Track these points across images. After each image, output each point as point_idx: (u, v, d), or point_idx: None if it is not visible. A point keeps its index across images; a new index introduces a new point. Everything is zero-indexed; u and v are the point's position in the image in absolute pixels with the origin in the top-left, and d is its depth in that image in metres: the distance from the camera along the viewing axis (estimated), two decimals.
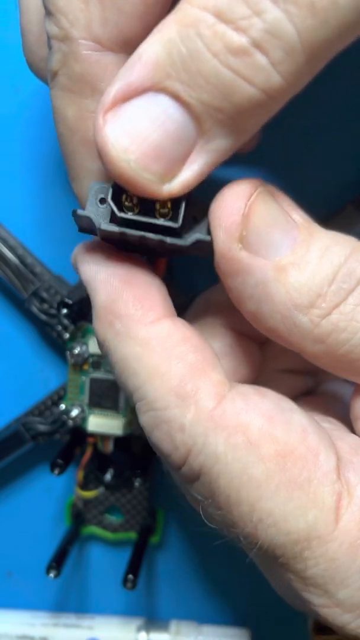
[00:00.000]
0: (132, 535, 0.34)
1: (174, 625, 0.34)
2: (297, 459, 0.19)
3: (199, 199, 0.21)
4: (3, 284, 0.31)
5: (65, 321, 0.31)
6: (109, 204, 0.20)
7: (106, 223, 0.20)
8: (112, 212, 0.20)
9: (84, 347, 0.31)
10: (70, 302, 0.31)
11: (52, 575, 0.30)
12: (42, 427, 0.31)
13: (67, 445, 0.31)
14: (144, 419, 0.20)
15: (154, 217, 0.20)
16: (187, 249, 0.20)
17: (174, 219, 0.20)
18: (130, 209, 0.20)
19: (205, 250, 0.20)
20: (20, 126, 0.31)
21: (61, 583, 0.35)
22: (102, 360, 0.31)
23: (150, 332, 0.20)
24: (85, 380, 0.31)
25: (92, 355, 0.31)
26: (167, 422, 0.19)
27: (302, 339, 0.20)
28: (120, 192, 0.19)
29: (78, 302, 0.31)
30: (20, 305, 0.32)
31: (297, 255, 0.19)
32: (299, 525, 0.18)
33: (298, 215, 0.20)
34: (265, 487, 0.18)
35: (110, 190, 0.20)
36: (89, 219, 0.20)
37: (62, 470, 0.30)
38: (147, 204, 0.20)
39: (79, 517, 0.34)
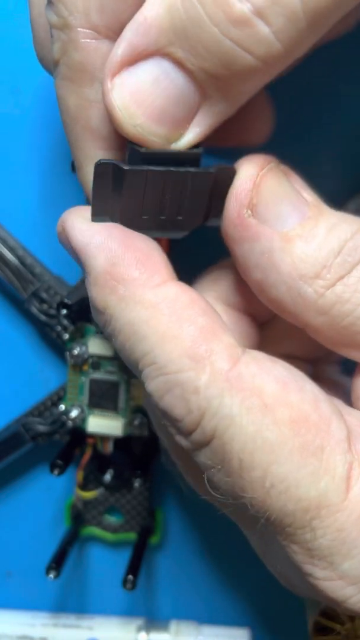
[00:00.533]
0: (132, 536, 0.34)
1: (174, 625, 0.34)
2: (310, 425, 0.19)
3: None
4: (3, 284, 0.31)
5: (65, 322, 0.31)
6: (129, 146, 0.20)
7: (131, 165, 0.20)
8: (132, 157, 0.20)
9: (83, 348, 0.31)
10: (69, 302, 0.30)
11: (51, 576, 0.30)
12: (41, 428, 0.31)
13: (67, 445, 0.31)
14: (154, 385, 0.19)
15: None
16: (213, 180, 0.20)
17: (194, 148, 0.20)
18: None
19: (227, 184, 0.20)
20: (21, 127, 0.31)
21: (61, 584, 0.35)
22: (101, 361, 0.31)
23: (158, 295, 0.19)
24: (85, 381, 0.31)
25: (91, 356, 0.31)
26: (180, 385, 0.19)
27: (306, 310, 0.20)
28: None
29: (77, 303, 0.31)
30: (20, 306, 0.32)
31: (305, 229, 0.20)
32: (310, 493, 0.18)
33: (309, 195, 0.21)
34: (279, 452, 0.18)
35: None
36: (111, 166, 0.20)
37: (62, 470, 0.30)
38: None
39: (78, 517, 0.34)
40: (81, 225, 0.21)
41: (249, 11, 0.16)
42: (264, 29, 0.17)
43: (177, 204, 0.21)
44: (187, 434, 0.19)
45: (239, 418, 0.18)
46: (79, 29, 0.19)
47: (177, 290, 0.20)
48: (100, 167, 0.20)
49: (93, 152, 0.21)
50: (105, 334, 0.21)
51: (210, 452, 0.19)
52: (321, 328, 0.20)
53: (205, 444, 0.19)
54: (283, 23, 0.17)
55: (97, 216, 0.21)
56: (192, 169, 0.20)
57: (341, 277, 0.20)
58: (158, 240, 0.22)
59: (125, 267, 0.19)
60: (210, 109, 0.19)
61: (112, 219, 0.21)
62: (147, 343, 0.19)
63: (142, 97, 0.19)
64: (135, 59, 0.18)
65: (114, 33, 0.19)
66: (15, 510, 0.35)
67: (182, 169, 0.20)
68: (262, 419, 0.18)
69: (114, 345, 0.21)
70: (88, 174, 0.21)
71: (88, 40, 0.19)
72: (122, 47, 0.18)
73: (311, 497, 0.18)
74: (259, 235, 0.20)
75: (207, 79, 0.18)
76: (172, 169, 0.20)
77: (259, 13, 0.16)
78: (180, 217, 0.21)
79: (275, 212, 0.20)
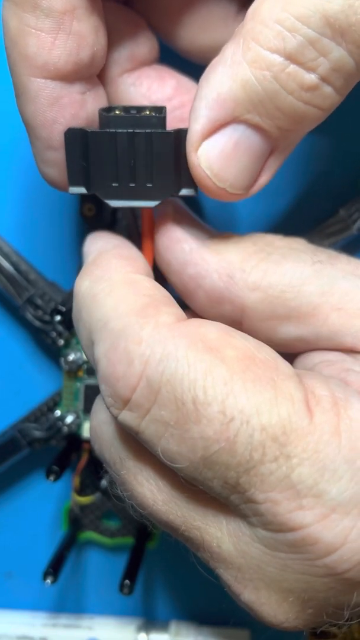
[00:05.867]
0: (130, 540, 0.34)
1: (173, 625, 0.35)
2: (258, 362, 0.19)
3: None
4: None
5: (60, 328, 0.31)
6: (99, 112, 0.22)
7: (96, 129, 0.22)
8: (101, 122, 0.22)
9: (78, 354, 0.31)
10: (64, 309, 0.31)
11: (49, 581, 0.30)
12: (37, 434, 0.32)
13: (63, 451, 0.31)
14: (100, 347, 0.20)
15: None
16: (172, 142, 0.22)
17: (158, 111, 0.22)
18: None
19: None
20: (15, 132, 0.31)
21: (60, 586, 0.35)
22: None
23: (124, 278, 0.21)
24: (80, 386, 0.31)
25: (86, 362, 0.31)
26: (124, 338, 0.19)
27: (239, 289, 0.22)
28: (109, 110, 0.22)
29: (72, 309, 0.31)
30: (14, 312, 0.32)
31: (221, 237, 0.24)
32: (273, 419, 0.18)
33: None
34: (232, 384, 0.18)
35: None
36: (78, 131, 0.21)
37: (58, 476, 0.30)
38: (132, 110, 0.22)
39: (76, 522, 0.34)
40: (94, 239, 0.25)
41: (317, 79, 0.19)
42: (328, 89, 0.20)
43: (145, 170, 0.22)
44: (128, 394, 0.19)
45: (185, 359, 0.18)
46: None
47: (142, 277, 0.22)
48: (68, 133, 0.22)
49: (26, 79, 0.21)
50: (75, 320, 0.22)
51: (162, 408, 0.19)
52: (256, 305, 0.22)
53: (151, 400, 0.19)
54: (343, 83, 0.20)
55: (72, 186, 0.23)
56: (154, 131, 0.21)
57: (262, 260, 0.22)
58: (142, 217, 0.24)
59: (108, 258, 0.22)
60: (279, 156, 0.22)
61: (87, 188, 0.22)
62: (104, 309, 0.20)
63: (227, 162, 0.21)
64: (214, 130, 0.21)
65: None
66: (15, 513, 0.35)
67: (144, 130, 0.21)
68: (210, 359, 0.18)
69: (78, 331, 0.22)
70: (22, 103, 0.22)
71: None
72: (200, 122, 0.21)
73: (274, 423, 0.18)
74: (186, 238, 0.23)
75: (281, 134, 0.21)
76: (135, 130, 0.21)
77: (324, 79, 0.19)
78: (150, 185, 0.22)
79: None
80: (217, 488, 0.19)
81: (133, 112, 0.22)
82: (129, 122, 0.22)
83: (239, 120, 0.20)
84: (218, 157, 0.21)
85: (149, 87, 0.25)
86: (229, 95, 0.20)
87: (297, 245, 0.23)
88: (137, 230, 0.25)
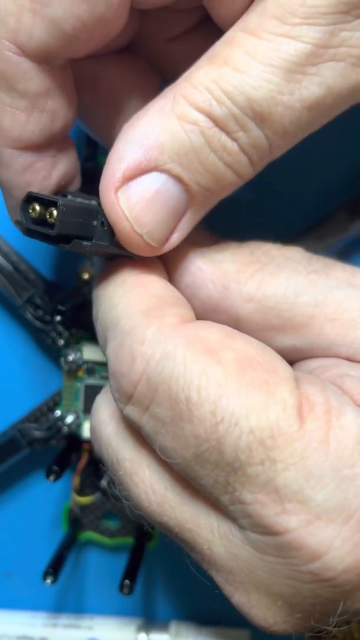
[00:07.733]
0: (130, 540, 0.34)
1: (173, 626, 0.35)
2: (256, 365, 0.19)
3: None
4: None
5: (60, 328, 0.31)
6: (21, 214, 0.22)
7: (26, 229, 0.22)
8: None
9: (78, 354, 0.31)
10: (64, 309, 0.31)
11: (49, 581, 0.30)
12: (37, 434, 0.32)
13: (63, 451, 0.31)
14: (110, 345, 0.21)
15: (46, 226, 0.21)
16: (75, 250, 0.22)
17: (53, 227, 0.21)
18: (33, 219, 0.22)
19: (97, 252, 0.22)
20: None
21: (60, 586, 0.35)
22: (96, 366, 0.31)
23: (136, 279, 0.22)
24: (80, 386, 0.31)
25: (86, 362, 0.31)
26: (130, 337, 0.20)
27: (233, 300, 0.22)
28: (28, 203, 0.21)
29: (72, 309, 0.31)
30: (14, 312, 0.33)
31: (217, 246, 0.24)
32: (261, 423, 0.18)
33: None
34: (226, 386, 0.19)
35: (22, 204, 0.21)
36: (19, 224, 0.22)
37: (58, 476, 0.30)
38: (43, 214, 0.21)
39: (76, 522, 0.34)
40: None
41: (237, 147, 0.20)
42: (245, 159, 0.21)
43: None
44: (131, 390, 0.20)
45: (182, 358, 0.19)
46: (4, 41, 0.20)
47: (153, 278, 0.22)
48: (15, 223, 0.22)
49: (1, 150, 0.22)
50: (94, 320, 0.23)
51: (159, 407, 0.19)
52: (251, 316, 0.22)
53: (150, 396, 0.19)
54: (258, 158, 0.21)
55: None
56: (57, 244, 0.21)
57: (258, 270, 0.22)
58: None
59: (122, 262, 0.23)
60: (193, 216, 0.22)
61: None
62: (117, 309, 0.21)
63: (146, 208, 0.21)
64: (137, 173, 0.21)
65: (37, 59, 0.20)
66: (15, 513, 0.35)
67: (50, 243, 0.21)
68: (207, 360, 0.19)
69: (96, 331, 0.23)
70: None
71: (11, 54, 0.20)
72: (125, 163, 0.21)
73: (263, 426, 0.18)
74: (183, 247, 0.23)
75: (199, 191, 0.21)
76: (44, 241, 0.21)
77: (242, 150, 0.20)
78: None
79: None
80: (209, 487, 0.19)
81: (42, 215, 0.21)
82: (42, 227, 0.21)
83: (162, 169, 0.21)
84: (138, 201, 0.21)
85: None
86: (156, 142, 0.20)
87: (293, 254, 0.23)
88: None
